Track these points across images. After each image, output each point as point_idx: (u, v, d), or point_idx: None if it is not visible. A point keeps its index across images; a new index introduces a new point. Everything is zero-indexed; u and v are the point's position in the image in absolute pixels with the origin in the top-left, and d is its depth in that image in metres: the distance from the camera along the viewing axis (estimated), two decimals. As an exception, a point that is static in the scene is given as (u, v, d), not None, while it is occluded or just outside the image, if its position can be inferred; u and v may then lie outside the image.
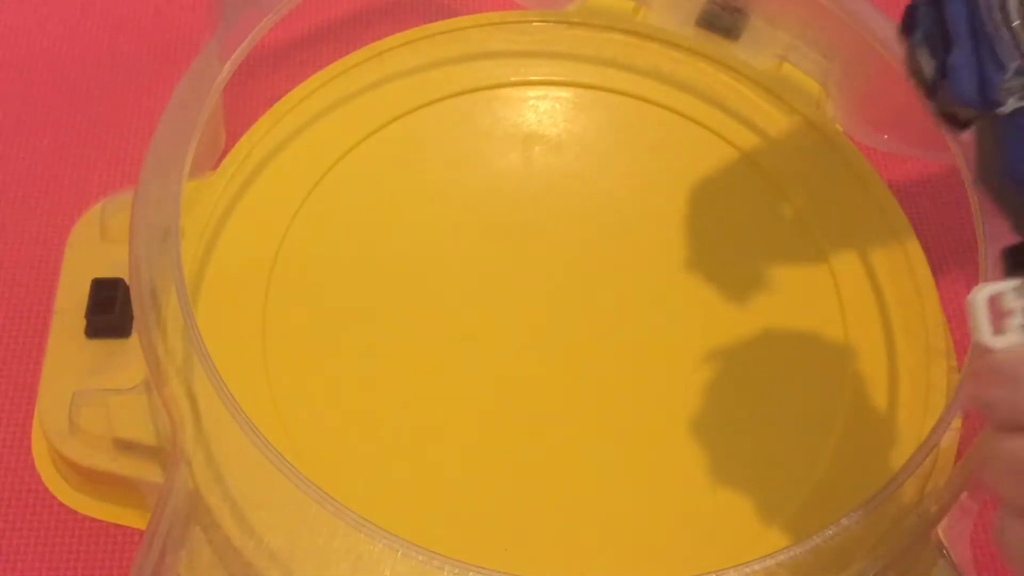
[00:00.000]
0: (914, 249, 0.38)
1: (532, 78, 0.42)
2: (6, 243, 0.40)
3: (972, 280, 0.33)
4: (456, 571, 0.27)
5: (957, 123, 0.26)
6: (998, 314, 0.23)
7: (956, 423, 0.31)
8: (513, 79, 0.41)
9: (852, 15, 0.38)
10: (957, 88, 0.24)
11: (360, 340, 0.35)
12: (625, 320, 0.36)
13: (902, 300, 0.37)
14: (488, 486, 0.33)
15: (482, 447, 0.34)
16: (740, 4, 0.42)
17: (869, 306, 0.37)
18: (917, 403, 0.34)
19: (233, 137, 0.39)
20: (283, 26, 0.41)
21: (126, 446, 0.32)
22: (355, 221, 0.38)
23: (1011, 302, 0.23)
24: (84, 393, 0.33)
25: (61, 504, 0.35)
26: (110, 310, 0.35)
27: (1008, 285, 0.23)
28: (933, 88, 0.26)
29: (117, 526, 0.35)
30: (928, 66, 0.26)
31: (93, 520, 0.35)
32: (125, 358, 0.35)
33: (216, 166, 0.38)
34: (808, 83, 0.42)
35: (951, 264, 0.42)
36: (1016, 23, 0.24)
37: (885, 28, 0.37)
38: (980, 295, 0.23)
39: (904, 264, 0.37)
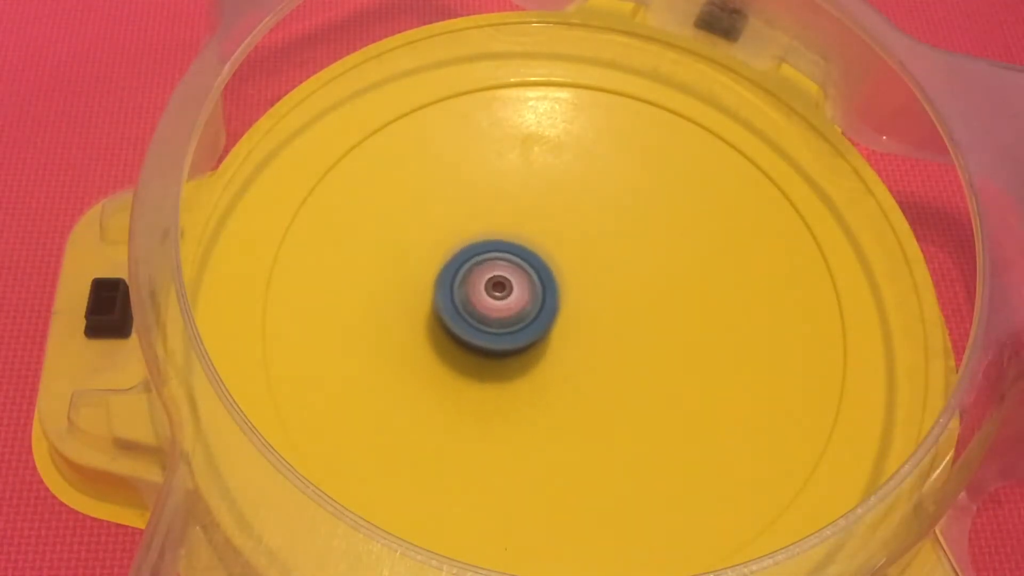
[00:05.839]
0: (912, 249, 0.38)
1: (531, 79, 0.42)
2: (6, 243, 0.40)
3: (971, 280, 0.33)
4: (455, 571, 0.27)
5: None
6: None
7: (954, 423, 0.31)
8: (512, 80, 0.41)
9: (851, 16, 0.38)
10: None
11: (360, 340, 0.35)
12: (624, 320, 0.36)
13: (900, 300, 0.37)
14: (488, 486, 0.33)
15: (482, 446, 0.34)
16: (739, 5, 0.42)
17: (867, 306, 0.37)
18: (915, 403, 0.35)
19: (233, 137, 0.39)
20: (283, 26, 0.41)
21: (125, 446, 0.33)
22: (355, 221, 0.38)
23: None
24: (84, 393, 0.33)
25: (61, 504, 0.35)
26: (110, 310, 0.35)
27: None
28: None
29: (117, 526, 0.35)
30: None
31: (93, 520, 0.35)
32: (125, 358, 0.35)
33: (216, 166, 0.38)
34: (807, 84, 0.42)
35: (950, 264, 0.42)
36: None
37: (884, 29, 0.37)
38: None
39: (903, 264, 0.37)
